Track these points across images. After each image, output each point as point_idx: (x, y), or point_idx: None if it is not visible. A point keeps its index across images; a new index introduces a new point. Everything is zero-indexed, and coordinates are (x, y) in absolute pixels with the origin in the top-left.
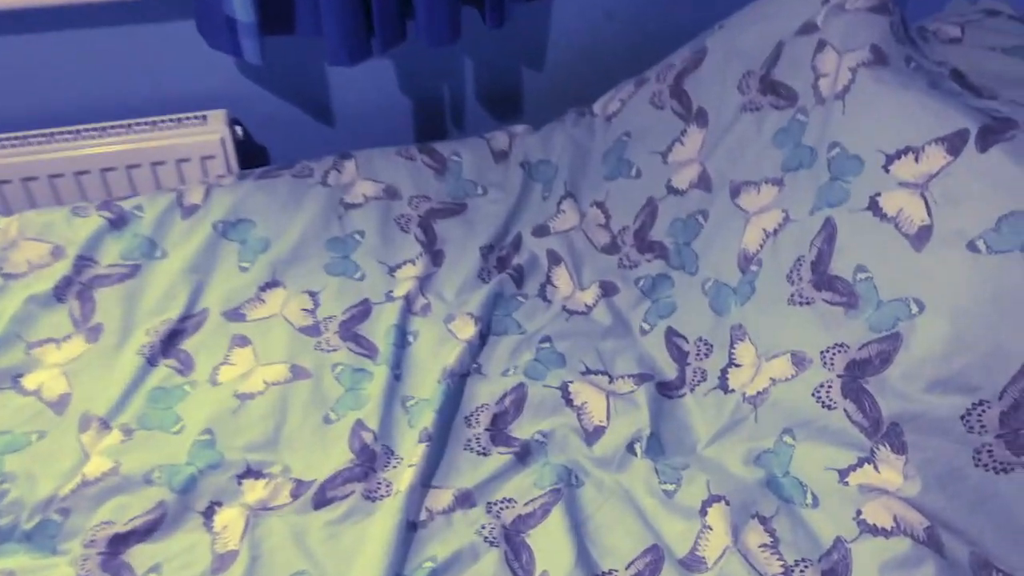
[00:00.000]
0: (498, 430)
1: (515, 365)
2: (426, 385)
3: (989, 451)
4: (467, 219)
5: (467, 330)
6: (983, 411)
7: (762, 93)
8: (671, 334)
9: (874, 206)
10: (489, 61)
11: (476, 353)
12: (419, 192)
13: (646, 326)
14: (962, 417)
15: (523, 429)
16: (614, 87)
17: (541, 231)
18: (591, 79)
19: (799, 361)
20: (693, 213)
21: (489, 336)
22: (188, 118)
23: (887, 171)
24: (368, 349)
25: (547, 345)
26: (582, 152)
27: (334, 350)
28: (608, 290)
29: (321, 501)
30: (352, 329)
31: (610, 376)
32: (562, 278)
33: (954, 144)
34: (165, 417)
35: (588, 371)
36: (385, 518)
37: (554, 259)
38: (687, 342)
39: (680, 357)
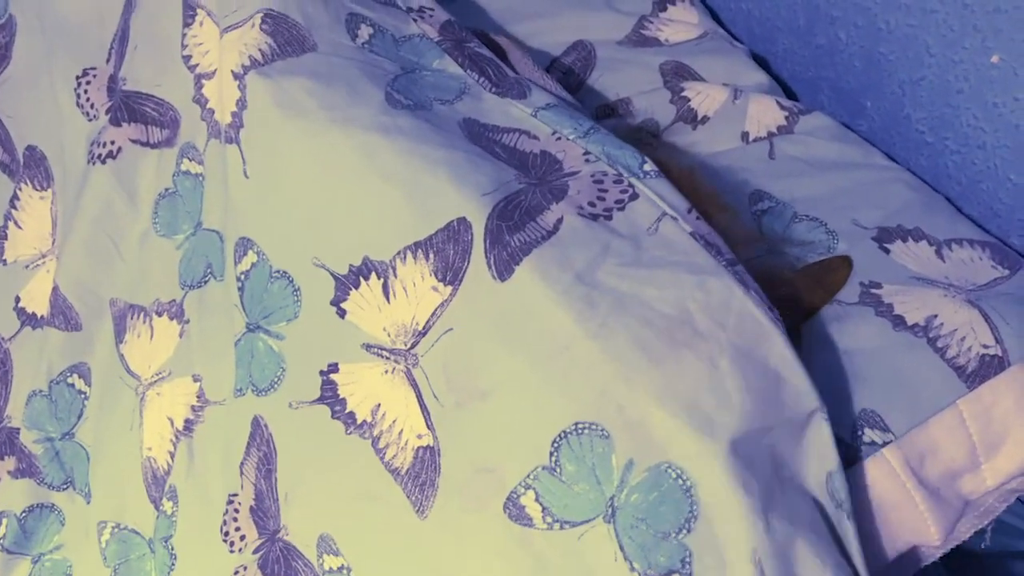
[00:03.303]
0: None
1: None
2: None
3: None
4: None
5: None
6: None
7: (116, 120)
8: None
9: (332, 396)
10: None
11: None
12: None
13: None
14: None
15: None
16: None
17: None
18: None
19: None
20: (63, 372)
21: None
22: None
23: (341, 315)
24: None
25: None
26: None
27: None
28: None
29: None
30: None
31: None
32: None
33: (447, 257)
34: None
35: None
36: None
37: None
38: None
39: None
